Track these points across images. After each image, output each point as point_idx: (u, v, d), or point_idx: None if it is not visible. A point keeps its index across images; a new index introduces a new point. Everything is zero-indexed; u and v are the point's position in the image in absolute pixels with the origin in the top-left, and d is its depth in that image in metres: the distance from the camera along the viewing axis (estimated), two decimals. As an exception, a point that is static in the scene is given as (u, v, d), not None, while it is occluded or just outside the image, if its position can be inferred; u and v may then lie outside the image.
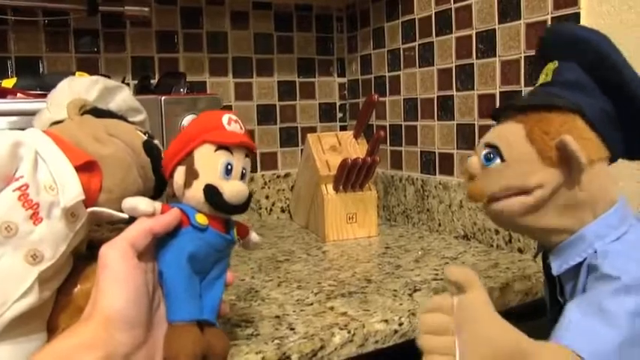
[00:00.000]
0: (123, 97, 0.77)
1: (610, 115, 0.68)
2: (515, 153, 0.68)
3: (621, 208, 0.68)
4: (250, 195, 0.65)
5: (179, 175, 0.63)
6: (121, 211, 0.62)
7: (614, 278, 0.61)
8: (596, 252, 0.66)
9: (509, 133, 0.69)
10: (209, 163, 0.63)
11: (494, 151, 0.69)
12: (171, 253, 0.61)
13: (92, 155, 0.65)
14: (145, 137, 0.72)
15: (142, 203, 0.60)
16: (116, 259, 0.56)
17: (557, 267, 0.69)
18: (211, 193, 0.62)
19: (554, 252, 0.70)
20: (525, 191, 0.67)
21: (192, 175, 0.63)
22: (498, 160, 0.69)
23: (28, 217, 0.58)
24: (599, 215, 0.67)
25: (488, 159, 0.70)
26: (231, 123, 0.65)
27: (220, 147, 0.63)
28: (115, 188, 0.66)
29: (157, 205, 0.61)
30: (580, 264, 0.67)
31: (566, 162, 0.65)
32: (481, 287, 0.58)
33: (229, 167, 0.63)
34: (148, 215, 0.60)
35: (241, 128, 0.66)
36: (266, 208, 1.71)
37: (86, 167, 0.64)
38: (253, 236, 0.73)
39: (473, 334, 0.56)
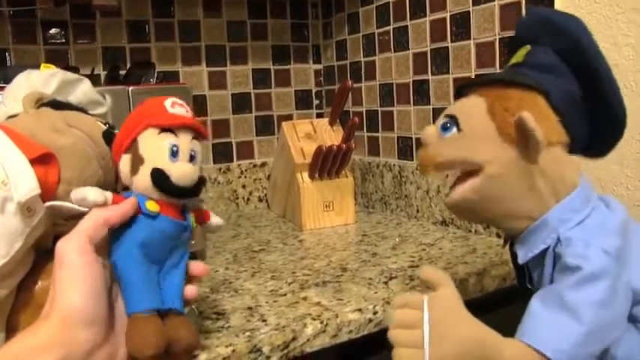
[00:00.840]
0: (83, 90, 0.75)
1: (577, 102, 0.66)
2: (473, 125, 0.66)
3: (583, 191, 0.67)
4: (202, 177, 0.63)
5: (124, 163, 0.61)
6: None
7: (576, 268, 0.60)
8: (559, 239, 0.64)
9: (470, 106, 0.68)
10: (153, 147, 0.61)
11: (452, 121, 0.67)
12: (122, 243, 0.59)
13: (49, 146, 0.63)
14: (105, 127, 0.70)
15: (90, 193, 0.58)
16: (73, 254, 0.54)
17: (523, 255, 0.68)
18: (158, 176, 0.59)
19: (519, 240, 0.69)
20: (474, 168, 0.65)
21: (137, 161, 0.61)
22: (455, 130, 0.67)
23: None
24: (562, 199, 0.66)
25: (445, 128, 0.68)
26: (174, 106, 0.63)
27: (164, 130, 0.61)
28: (74, 180, 0.64)
29: (108, 194, 0.59)
30: (545, 250, 0.66)
31: (524, 140, 0.63)
32: (451, 286, 0.61)
33: (175, 149, 0.61)
34: (99, 205, 0.58)
35: (187, 112, 0.64)
36: (243, 198, 1.69)
37: (42, 160, 0.62)
38: (215, 220, 0.71)
39: (439, 331, 0.57)
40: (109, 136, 0.69)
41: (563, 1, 1.04)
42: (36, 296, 0.64)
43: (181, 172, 0.61)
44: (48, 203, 0.61)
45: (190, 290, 0.65)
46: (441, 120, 0.69)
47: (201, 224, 0.69)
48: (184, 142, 0.62)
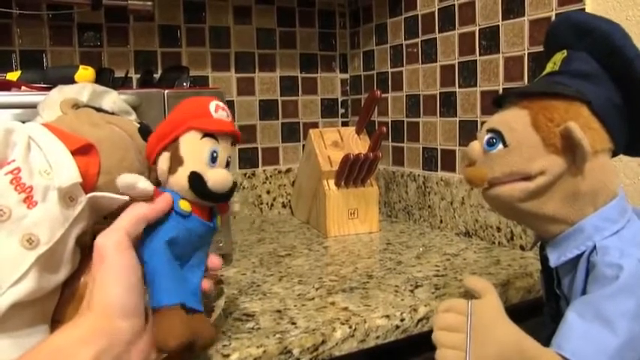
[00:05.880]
0: (112, 99, 0.78)
1: (617, 107, 0.67)
2: (519, 139, 0.67)
3: (621, 201, 0.68)
4: (235, 183, 0.65)
5: (164, 160, 0.63)
6: (122, 194, 0.62)
7: (612, 278, 0.61)
8: (595, 247, 0.65)
9: (513, 119, 0.68)
10: (195, 151, 0.63)
11: (497, 136, 0.68)
12: (152, 238, 0.61)
13: (89, 139, 0.65)
14: (139, 125, 0.73)
15: (141, 181, 0.59)
16: (113, 250, 0.56)
17: (555, 259, 0.69)
18: (196, 180, 0.62)
19: (551, 243, 0.70)
20: (527, 177, 0.66)
21: (177, 161, 0.63)
22: (501, 146, 0.68)
23: (21, 200, 0.57)
24: (599, 207, 0.67)
25: (490, 144, 0.69)
26: (218, 110, 0.65)
27: (206, 134, 0.63)
28: (113, 170, 0.66)
29: (151, 186, 0.61)
30: (578, 256, 0.67)
31: (570, 150, 0.64)
32: (494, 294, 0.66)
33: (215, 155, 0.63)
34: (147, 194, 0.59)
35: (228, 116, 0.66)
36: (267, 203, 1.71)
37: (83, 151, 0.63)
38: (234, 206, 0.73)
39: (481, 335, 0.62)
40: (144, 132, 0.71)
41: (596, 6, 1.05)
42: (79, 291, 0.66)
43: (218, 178, 0.63)
44: (90, 194, 0.63)
45: (206, 284, 0.67)
46: (485, 135, 0.70)
47: (224, 213, 0.71)
48: (224, 148, 0.64)
